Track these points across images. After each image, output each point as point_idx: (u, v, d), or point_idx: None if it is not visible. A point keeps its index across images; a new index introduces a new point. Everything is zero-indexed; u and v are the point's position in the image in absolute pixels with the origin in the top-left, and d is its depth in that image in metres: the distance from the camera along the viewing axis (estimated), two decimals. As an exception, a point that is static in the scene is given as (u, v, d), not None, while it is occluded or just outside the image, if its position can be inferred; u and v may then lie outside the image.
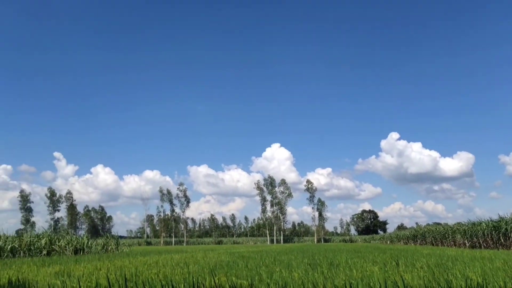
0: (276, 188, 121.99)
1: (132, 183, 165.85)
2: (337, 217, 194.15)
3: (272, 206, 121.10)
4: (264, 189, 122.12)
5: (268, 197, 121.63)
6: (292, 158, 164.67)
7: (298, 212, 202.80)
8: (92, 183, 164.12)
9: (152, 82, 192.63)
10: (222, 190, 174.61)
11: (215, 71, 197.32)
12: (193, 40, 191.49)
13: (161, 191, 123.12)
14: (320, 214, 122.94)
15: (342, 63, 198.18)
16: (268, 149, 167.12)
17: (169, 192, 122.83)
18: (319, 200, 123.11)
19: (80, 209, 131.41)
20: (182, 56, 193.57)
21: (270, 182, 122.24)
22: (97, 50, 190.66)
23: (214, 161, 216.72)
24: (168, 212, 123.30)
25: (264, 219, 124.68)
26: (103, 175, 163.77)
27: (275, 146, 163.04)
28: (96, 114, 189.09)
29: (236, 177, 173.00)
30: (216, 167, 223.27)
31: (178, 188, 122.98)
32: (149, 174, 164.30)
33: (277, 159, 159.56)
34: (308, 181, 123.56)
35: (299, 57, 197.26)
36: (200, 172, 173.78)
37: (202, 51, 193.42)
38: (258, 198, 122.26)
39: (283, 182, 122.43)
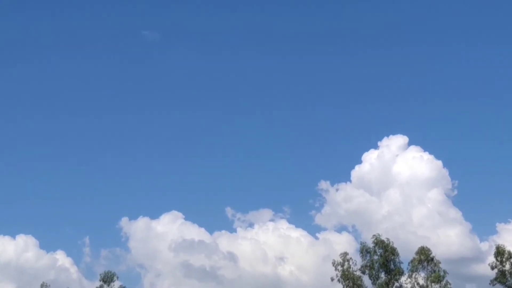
0: (404, 278, 40.04)
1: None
2: None
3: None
4: (363, 282, 39.94)
5: None
6: (450, 181, 74.56)
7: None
8: None
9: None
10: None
11: None
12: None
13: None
14: None
15: None
16: (368, 156, 76.75)
17: None
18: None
19: None
20: None
21: (383, 260, 39.95)
22: None
23: (200, 203, 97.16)
24: None
25: None
26: None
27: (395, 145, 74.92)
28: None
29: (276, 247, 74.38)
30: (209, 221, 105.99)
31: None
32: (5, 247, 72.65)
33: (400, 186, 72.44)
34: (501, 251, 40.62)
35: None
36: (162, 235, 78.53)
37: None
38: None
39: (424, 256, 40.26)
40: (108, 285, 41.80)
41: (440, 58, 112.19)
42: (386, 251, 40.42)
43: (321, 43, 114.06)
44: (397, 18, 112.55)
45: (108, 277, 42.12)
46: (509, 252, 40.48)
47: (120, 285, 42.12)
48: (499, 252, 40.64)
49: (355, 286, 39.93)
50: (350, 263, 40.29)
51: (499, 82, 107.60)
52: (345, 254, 40.65)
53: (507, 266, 40.37)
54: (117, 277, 42.41)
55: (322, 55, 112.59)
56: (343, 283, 40.02)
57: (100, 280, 42.08)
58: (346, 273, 39.91)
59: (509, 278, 40.10)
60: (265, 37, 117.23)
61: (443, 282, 39.17)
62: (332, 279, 40.35)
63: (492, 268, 40.54)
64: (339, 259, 40.49)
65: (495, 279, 40.61)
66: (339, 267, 40.22)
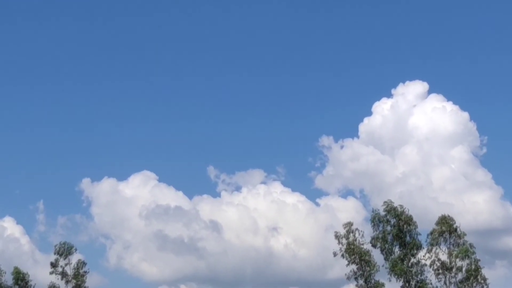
0: (422, 253, 34.08)
1: None
2: None
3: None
4: (373, 257, 34.17)
5: (393, 286, 33.93)
6: (478, 137, 67.11)
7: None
8: None
9: None
10: (218, 265, 66.60)
11: None
12: None
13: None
14: None
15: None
16: (379, 106, 68.32)
17: (20, 279, 35.95)
18: None
19: None
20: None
21: (396, 231, 34.01)
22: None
23: (177, 162, 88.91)
24: None
25: None
26: None
27: (412, 93, 65.93)
28: None
29: (268, 215, 66.97)
30: (188, 183, 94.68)
31: (53, 268, 35.82)
32: None
33: (417, 142, 63.69)
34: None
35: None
36: (131, 199, 69.95)
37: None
38: (351, 290, 34.70)
39: (445, 228, 33.78)
40: (65, 259, 35.74)
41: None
42: (400, 220, 34.45)
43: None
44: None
45: (64, 250, 36.02)
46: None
47: (79, 259, 36.23)
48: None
49: (362, 262, 34.23)
50: (356, 234, 34.56)
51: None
52: (350, 224, 35.02)
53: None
54: (76, 250, 36.46)
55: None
56: (348, 259, 34.29)
57: (55, 253, 36.07)
58: (352, 246, 34.21)
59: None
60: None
61: (471, 258, 33.20)
62: (335, 254, 34.74)
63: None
64: (343, 230, 34.77)
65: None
66: (343, 240, 34.54)
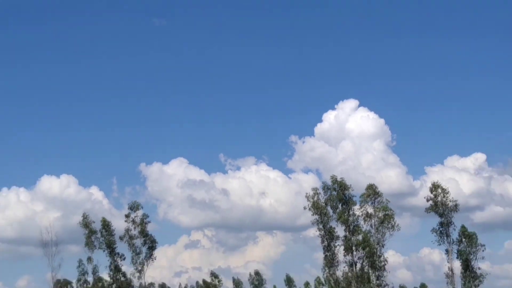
0: (356, 207, 53.17)
1: (15, 207, 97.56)
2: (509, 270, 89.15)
3: (349, 250, 52.94)
4: (328, 210, 53.39)
5: (339, 229, 53.38)
6: (390, 135, 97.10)
7: (410, 261, 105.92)
8: None
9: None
10: (227, 216, 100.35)
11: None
12: None
13: (86, 223, 56.19)
14: (467, 265, 53.68)
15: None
16: (327, 116, 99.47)
17: (106, 225, 56.21)
18: (463, 231, 53.73)
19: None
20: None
21: (339, 194, 52.97)
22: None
23: (200, 151, 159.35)
24: (105, 275, 57.26)
25: (332, 282, 56.43)
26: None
27: (348, 107, 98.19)
28: None
29: (258, 185, 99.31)
30: (207, 165, 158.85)
31: (127, 218, 56.14)
32: (52, 184, 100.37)
33: (351, 138, 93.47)
34: (435, 186, 54.02)
35: None
36: (172, 176, 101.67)
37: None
38: (314, 232, 54.42)
39: (371, 191, 53.19)
40: (134, 212, 55.28)
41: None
42: (341, 187, 52.52)
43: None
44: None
45: (134, 206, 55.40)
46: (441, 187, 53.04)
47: (144, 213, 55.75)
48: (435, 187, 52.83)
49: (321, 214, 53.06)
50: (319, 196, 52.85)
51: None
52: (316, 189, 53.46)
53: (442, 201, 52.72)
54: (142, 207, 55.84)
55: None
56: (313, 211, 52.75)
57: (128, 208, 55.40)
58: (315, 204, 52.62)
59: (440, 208, 52.94)
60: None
61: (388, 212, 51.31)
62: (305, 208, 53.16)
63: (428, 200, 53.14)
64: (311, 193, 52.81)
65: (430, 208, 53.01)
66: (310, 199, 52.72)
